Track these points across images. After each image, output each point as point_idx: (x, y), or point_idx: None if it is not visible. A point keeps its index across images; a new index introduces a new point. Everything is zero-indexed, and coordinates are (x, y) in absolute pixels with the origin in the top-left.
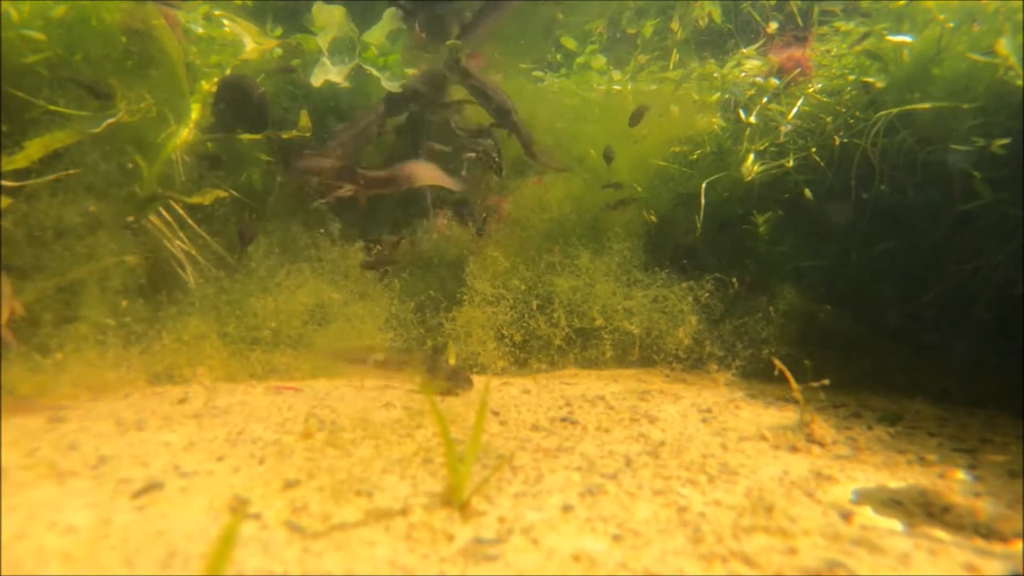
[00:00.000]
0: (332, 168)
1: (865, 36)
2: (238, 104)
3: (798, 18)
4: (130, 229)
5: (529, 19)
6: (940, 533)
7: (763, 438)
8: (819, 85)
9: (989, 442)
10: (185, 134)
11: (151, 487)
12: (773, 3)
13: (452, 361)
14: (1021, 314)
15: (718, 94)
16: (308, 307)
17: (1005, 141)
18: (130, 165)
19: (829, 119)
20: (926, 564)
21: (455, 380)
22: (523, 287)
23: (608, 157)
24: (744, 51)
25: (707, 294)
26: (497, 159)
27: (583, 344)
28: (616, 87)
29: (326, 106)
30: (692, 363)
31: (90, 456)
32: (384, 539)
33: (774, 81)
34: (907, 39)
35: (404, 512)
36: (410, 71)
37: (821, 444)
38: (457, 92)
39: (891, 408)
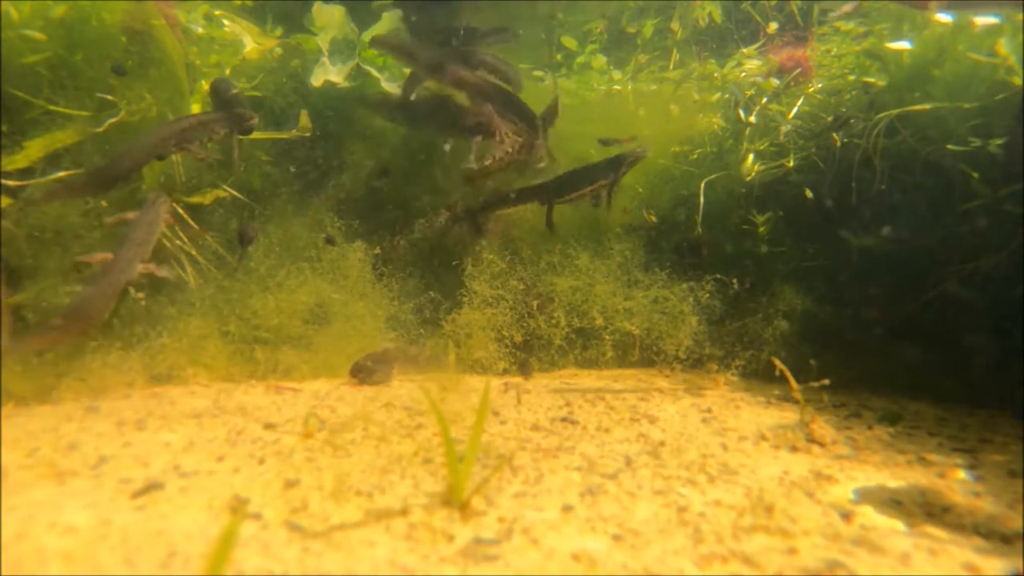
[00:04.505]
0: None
1: (866, 35)
2: (217, 104)
3: (798, 18)
4: None
5: (529, 19)
6: (940, 533)
7: (763, 438)
8: (819, 85)
9: (989, 442)
10: None
11: (151, 487)
12: (773, 3)
13: (452, 360)
14: (1021, 314)
15: (718, 94)
16: (308, 306)
17: (1001, 141)
18: None
19: (829, 119)
20: (926, 564)
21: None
22: (521, 287)
23: (605, 143)
24: (744, 51)
25: (707, 295)
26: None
27: (583, 344)
28: (616, 87)
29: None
30: (692, 363)
31: (90, 456)
32: (384, 539)
33: (774, 81)
34: (906, 45)
35: (404, 512)
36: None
37: (821, 444)
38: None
39: (891, 408)
